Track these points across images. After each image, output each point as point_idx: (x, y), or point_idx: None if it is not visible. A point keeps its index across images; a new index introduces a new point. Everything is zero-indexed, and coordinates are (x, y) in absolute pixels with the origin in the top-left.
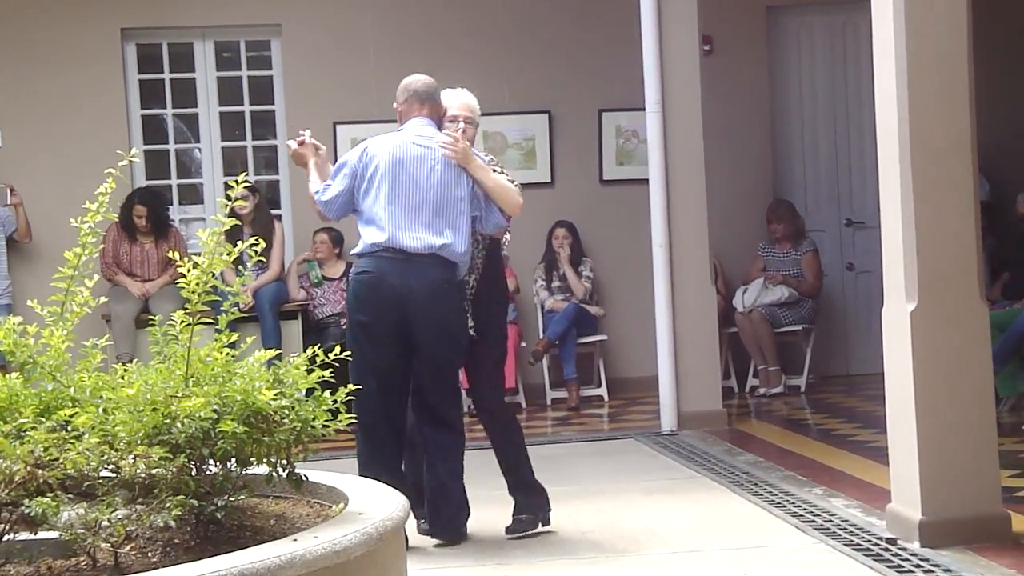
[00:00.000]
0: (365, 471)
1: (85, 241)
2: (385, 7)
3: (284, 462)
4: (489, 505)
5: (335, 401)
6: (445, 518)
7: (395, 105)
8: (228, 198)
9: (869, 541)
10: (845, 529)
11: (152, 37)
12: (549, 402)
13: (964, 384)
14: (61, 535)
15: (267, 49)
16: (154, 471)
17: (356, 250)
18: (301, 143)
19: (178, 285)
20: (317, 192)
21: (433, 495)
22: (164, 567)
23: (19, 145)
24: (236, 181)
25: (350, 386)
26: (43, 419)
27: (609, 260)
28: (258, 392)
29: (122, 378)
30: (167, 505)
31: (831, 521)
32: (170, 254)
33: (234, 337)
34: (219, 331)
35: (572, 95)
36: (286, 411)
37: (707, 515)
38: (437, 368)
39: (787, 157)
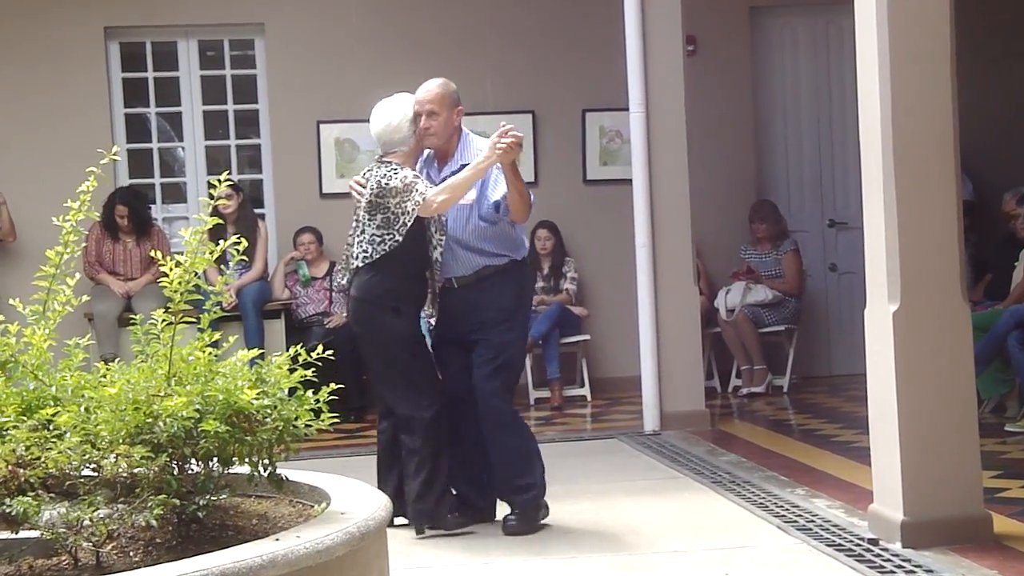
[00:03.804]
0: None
1: (67, 240)
2: (369, 7)
3: (266, 462)
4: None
5: (317, 401)
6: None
7: (459, 108)
8: (211, 197)
9: (851, 541)
10: (827, 529)
11: (136, 36)
12: (532, 402)
13: (946, 385)
14: (43, 534)
15: (251, 48)
16: (136, 470)
17: (522, 256)
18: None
19: (160, 284)
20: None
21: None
22: (146, 566)
23: (2, 143)
24: (219, 180)
25: (332, 385)
26: (25, 418)
27: (592, 260)
28: (240, 391)
29: (104, 377)
30: (149, 504)
31: (813, 521)
32: (153, 253)
33: (216, 336)
34: (201, 330)
35: (556, 95)
36: (268, 411)
37: (689, 515)
38: None
39: (770, 157)
